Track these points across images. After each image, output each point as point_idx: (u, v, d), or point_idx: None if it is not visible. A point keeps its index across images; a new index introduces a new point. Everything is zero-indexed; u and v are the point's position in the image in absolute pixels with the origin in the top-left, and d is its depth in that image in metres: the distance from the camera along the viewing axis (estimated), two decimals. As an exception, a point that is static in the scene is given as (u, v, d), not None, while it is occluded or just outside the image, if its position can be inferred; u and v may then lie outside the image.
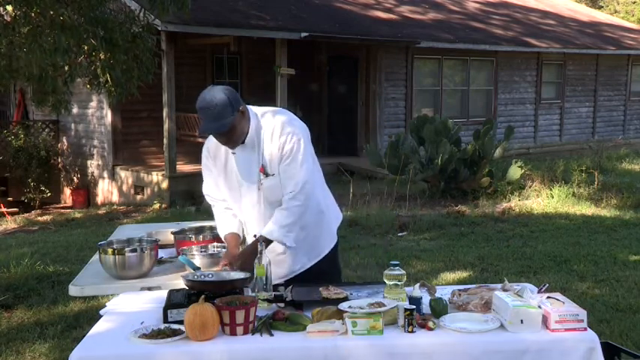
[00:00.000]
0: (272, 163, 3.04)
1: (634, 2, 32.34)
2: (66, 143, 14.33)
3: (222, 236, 3.27)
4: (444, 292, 2.87)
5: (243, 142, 3.05)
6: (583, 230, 8.31)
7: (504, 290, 2.74)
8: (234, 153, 3.10)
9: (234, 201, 3.22)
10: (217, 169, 3.19)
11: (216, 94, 2.93)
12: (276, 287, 2.98)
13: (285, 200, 3.05)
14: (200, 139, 12.92)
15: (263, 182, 3.07)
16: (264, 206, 3.12)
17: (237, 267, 3.03)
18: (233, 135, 2.98)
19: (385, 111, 14.54)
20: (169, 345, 2.44)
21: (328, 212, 3.31)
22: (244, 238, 3.32)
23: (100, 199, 13.43)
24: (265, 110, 3.11)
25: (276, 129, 3.03)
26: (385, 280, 2.73)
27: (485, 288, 2.85)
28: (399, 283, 2.71)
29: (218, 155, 3.17)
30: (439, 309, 2.65)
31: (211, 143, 3.18)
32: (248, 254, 3.07)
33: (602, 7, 32.41)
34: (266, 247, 2.99)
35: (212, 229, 3.68)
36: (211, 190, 3.28)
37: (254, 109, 3.11)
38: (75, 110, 13.54)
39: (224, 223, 3.26)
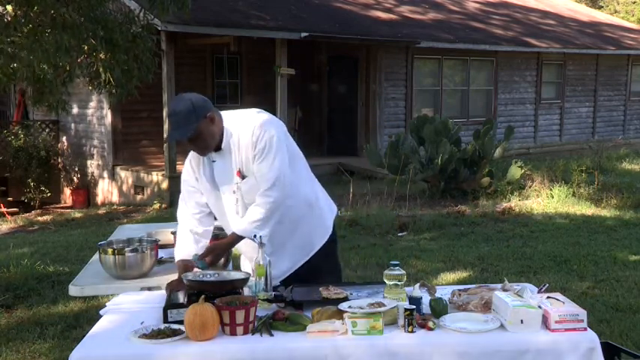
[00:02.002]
0: (248, 164, 3.03)
1: (634, 2, 32.34)
2: (66, 143, 14.33)
3: (175, 259, 3.20)
4: (444, 292, 2.87)
5: (220, 149, 3.04)
6: (583, 230, 8.31)
7: (504, 290, 2.74)
8: (214, 161, 3.09)
9: (220, 213, 3.19)
10: (202, 182, 3.15)
11: (180, 102, 2.95)
12: (275, 287, 2.98)
13: (258, 197, 3.03)
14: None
15: (241, 186, 3.04)
16: (242, 211, 3.09)
17: (207, 261, 3.04)
18: (200, 142, 2.98)
19: (385, 111, 14.54)
20: (169, 345, 2.43)
21: (318, 205, 3.28)
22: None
23: (100, 199, 13.43)
24: (238, 112, 3.10)
25: (248, 129, 3.00)
26: (385, 280, 2.73)
27: (485, 288, 2.85)
28: (399, 283, 2.71)
29: (200, 167, 3.14)
30: (439, 309, 2.65)
31: (193, 157, 3.16)
32: (223, 246, 3.09)
33: (602, 7, 32.41)
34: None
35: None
36: (187, 210, 3.23)
37: (228, 114, 3.09)
38: (75, 110, 13.55)
39: (181, 247, 3.19)
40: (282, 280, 3.17)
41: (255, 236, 3.00)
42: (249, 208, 3.05)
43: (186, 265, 3.08)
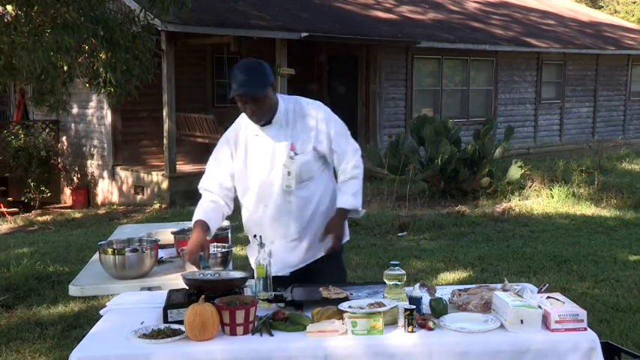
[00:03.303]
0: (304, 142, 3.10)
1: (634, 2, 32.35)
2: (66, 143, 14.33)
3: (193, 220, 3.19)
4: (444, 292, 2.87)
5: (270, 123, 3.09)
6: (583, 230, 8.32)
7: (504, 290, 2.74)
8: (257, 135, 3.12)
9: (253, 190, 3.16)
10: (238, 158, 3.17)
11: (253, 62, 3.05)
12: (276, 288, 2.98)
13: (348, 170, 3.16)
14: (200, 139, 12.94)
15: (296, 159, 3.09)
16: (294, 184, 3.11)
17: (333, 240, 3.07)
18: (264, 105, 3.02)
19: (385, 111, 14.54)
20: (169, 345, 2.44)
21: None
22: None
23: (100, 199, 13.43)
24: (294, 96, 3.23)
25: (314, 111, 3.14)
26: (385, 280, 2.74)
27: (485, 288, 2.85)
28: (399, 283, 2.71)
29: (239, 144, 3.17)
30: (439, 309, 2.65)
31: (232, 133, 3.19)
32: (339, 224, 3.12)
33: (602, 7, 32.43)
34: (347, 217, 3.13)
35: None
36: (211, 183, 3.22)
37: (284, 95, 3.20)
38: (75, 110, 13.56)
39: (201, 210, 3.18)
40: (292, 272, 3.18)
41: (255, 235, 3.01)
42: (344, 182, 3.16)
43: (203, 225, 3.08)
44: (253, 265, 3.16)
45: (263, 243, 2.96)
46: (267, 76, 3.01)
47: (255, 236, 3.04)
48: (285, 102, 3.14)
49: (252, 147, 3.14)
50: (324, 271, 3.21)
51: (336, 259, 3.30)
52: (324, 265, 3.24)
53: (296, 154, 3.09)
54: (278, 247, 3.12)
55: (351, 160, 3.17)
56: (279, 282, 3.04)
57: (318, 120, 3.12)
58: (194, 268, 3.03)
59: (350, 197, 3.12)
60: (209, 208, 3.17)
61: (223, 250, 3.47)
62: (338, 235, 3.11)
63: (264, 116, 3.06)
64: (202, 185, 3.25)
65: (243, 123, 3.17)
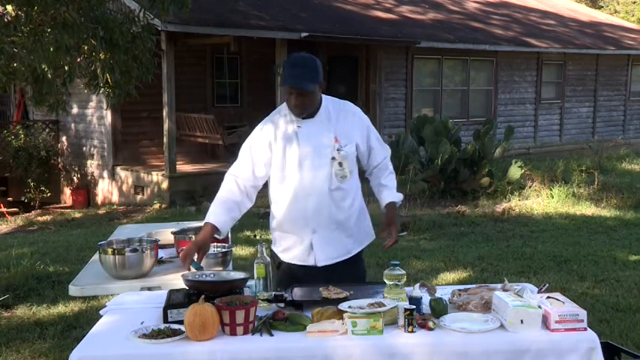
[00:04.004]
0: (346, 137, 3.20)
1: (634, 2, 32.35)
2: (66, 143, 14.33)
3: (205, 220, 3.13)
4: (444, 292, 2.87)
5: (312, 117, 3.16)
6: (583, 230, 8.32)
7: (504, 290, 2.74)
8: (299, 127, 3.16)
9: (292, 179, 3.18)
10: (277, 147, 3.18)
11: (311, 57, 3.14)
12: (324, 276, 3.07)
13: (389, 165, 3.38)
14: (200, 139, 12.95)
15: (341, 151, 3.17)
16: (348, 172, 3.20)
17: (394, 232, 3.20)
18: (309, 100, 3.10)
19: (385, 111, 14.53)
20: (169, 345, 2.44)
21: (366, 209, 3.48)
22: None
23: (100, 199, 13.43)
24: (329, 96, 3.33)
25: (352, 109, 3.30)
26: (385, 280, 2.74)
27: (485, 288, 2.85)
28: (399, 283, 2.71)
29: (279, 132, 3.19)
30: (439, 309, 2.65)
31: (270, 122, 3.21)
32: (396, 218, 3.29)
33: (602, 7, 32.43)
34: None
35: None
36: (243, 170, 3.20)
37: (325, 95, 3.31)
38: (75, 110, 13.56)
39: (213, 210, 3.13)
40: (337, 261, 3.24)
41: (255, 235, 3.00)
42: (387, 176, 3.37)
43: (211, 229, 3.06)
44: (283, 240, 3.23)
45: (263, 243, 2.96)
46: (319, 74, 3.13)
47: (255, 236, 3.04)
48: (327, 100, 3.26)
49: (294, 137, 3.17)
50: (357, 266, 3.36)
51: (362, 257, 3.43)
52: (357, 261, 3.36)
53: (341, 146, 3.18)
54: (320, 237, 3.19)
55: (387, 155, 3.37)
56: (326, 270, 3.15)
57: (357, 117, 3.29)
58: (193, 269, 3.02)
59: (396, 191, 3.32)
60: (224, 208, 3.14)
61: (223, 250, 3.47)
62: (398, 229, 3.25)
63: (306, 110, 3.14)
64: (232, 172, 3.21)
65: (284, 113, 3.21)
